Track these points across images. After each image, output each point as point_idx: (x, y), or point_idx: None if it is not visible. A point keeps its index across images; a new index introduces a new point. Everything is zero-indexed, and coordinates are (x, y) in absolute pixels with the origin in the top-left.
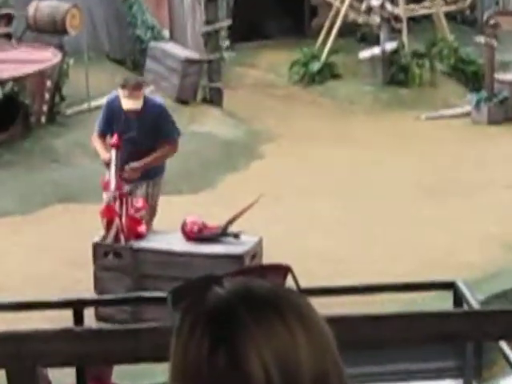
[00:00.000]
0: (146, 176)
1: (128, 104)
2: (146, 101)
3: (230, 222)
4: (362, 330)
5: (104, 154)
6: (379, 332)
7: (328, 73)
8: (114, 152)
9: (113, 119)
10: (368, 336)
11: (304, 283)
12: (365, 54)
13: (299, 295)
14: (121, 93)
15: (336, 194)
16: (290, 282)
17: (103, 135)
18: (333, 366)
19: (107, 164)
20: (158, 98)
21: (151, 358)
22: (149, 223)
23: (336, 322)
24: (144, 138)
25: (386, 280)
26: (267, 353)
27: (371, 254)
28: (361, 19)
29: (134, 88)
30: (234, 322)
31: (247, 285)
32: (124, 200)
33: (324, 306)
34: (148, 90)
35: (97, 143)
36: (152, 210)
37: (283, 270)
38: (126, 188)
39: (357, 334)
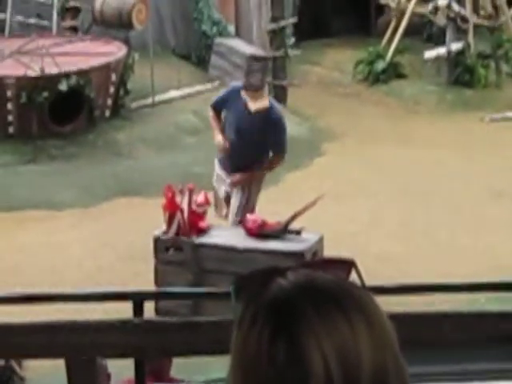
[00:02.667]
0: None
1: (256, 104)
2: (271, 106)
3: (292, 219)
4: (424, 328)
5: (217, 135)
6: (440, 331)
7: (393, 72)
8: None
9: (229, 102)
10: (429, 335)
11: (365, 282)
12: (430, 54)
13: (362, 290)
14: (246, 94)
15: (399, 194)
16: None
17: (216, 110)
18: (393, 363)
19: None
20: (280, 108)
21: (210, 351)
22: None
23: (398, 319)
24: (256, 138)
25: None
26: (327, 345)
27: (434, 256)
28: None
29: (259, 87)
30: (295, 312)
31: (311, 277)
32: (187, 194)
33: (385, 305)
34: (214, 85)
35: (211, 118)
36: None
37: (347, 265)
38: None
39: (418, 332)
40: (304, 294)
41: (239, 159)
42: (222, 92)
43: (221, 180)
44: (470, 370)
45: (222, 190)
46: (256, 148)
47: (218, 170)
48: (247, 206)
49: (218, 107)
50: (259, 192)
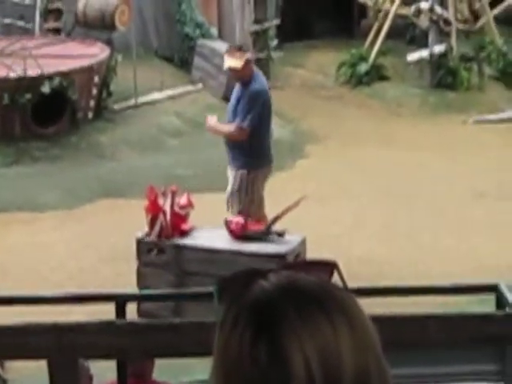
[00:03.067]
0: (234, 164)
1: (227, 62)
2: (253, 78)
3: (275, 220)
4: (406, 330)
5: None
6: (423, 332)
7: (376, 75)
8: None
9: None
10: (412, 336)
11: (348, 284)
12: (413, 56)
13: (345, 292)
14: (224, 57)
15: (382, 196)
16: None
17: None
18: (375, 365)
19: None
20: (263, 83)
21: (193, 352)
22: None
23: (381, 320)
24: (233, 111)
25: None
26: (309, 347)
27: (417, 257)
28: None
29: (236, 49)
30: (277, 314)
31: (292, 279)
32: (170, 196)
33: (367, 307)
34: (197, 87)
35: None
36: (250, 205)
37: (329, 267)
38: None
39: (400, 335)
40: (286, 295)
41: (226, 144)
42: None
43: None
44: (452, 371)
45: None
46: (232, 119)
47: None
48: (250, 207)
49: None
50: (256, 191)
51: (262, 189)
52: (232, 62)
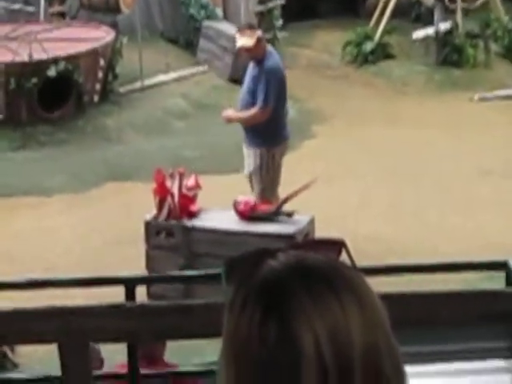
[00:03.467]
0: (252, 143)
1: (239, 41)
2: (267, 56)
3: (284, 202)
4: (415, 307)
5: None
6: (431, 310)
7: (381, 53)
8: None
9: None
10: (420, 314)
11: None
12: (418, 34)
13: (353, 270)
14: (236, 36)
15: (388, 175)
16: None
17: None
18: (384, 343)
19: None
20: (277, 60)
21: (203, 334)
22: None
23: (389, 299)
24: (248, 92)
25: (440, 260)
26: (319, 326)
27: (424, 236)
28: None
29: (247, 27)
30: (286, 293)
31: (301, 258)
32: (177, 178)
33: (375, 285)
34: (202, 69)
35: None
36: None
37: (337, 246)
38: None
39: (409, 312)
40: (295, 274)
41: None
42: None
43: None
44: (462, 349)
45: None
46: (248, 98)
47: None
48: (272, 185)
49: None
50: (275, 170)
51: (280, 166)
52: (244, 40)
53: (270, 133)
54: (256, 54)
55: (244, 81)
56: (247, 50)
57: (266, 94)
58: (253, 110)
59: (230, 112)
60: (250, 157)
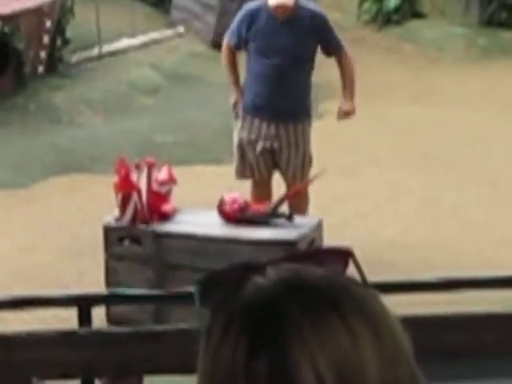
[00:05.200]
0: (294, 116)
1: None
2: (302, 6)
3: (283, 200)
4: (450, 334)
5: (233, 90)
6: (472, 337)
7: (408, 11)
8: None
9: (253, 28)
10: (456, 342)
11: (377, 275)
12: None
13: (363, 287)
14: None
15: (420, 164)
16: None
17: (236, 49)
18: (407, 379)
19: (233, 105)
20: (314, 5)
21: (177, 368)
22: (302, 202)
23: (415, 324)
24: (298, 50)
25: (483, 274)
26: (322, 358)
27: (466, 240)
28: None
29: None
30: (279, 318)
31: (296, 272)
32: (145, 170)
33: (400, 305)
34: (178, 31)
35: (227, 62)
36: (303, 171)
37: (343, 256)
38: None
39: (442, 340)
40: (289, 293)
41: (280, 92)
42: (236, 18)
43: (253, 139)
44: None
45: (259, 147)
46: (299, 68)
47: (243, 131)
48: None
49: (236, 43)
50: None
51: None
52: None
53: (310, 95)
54: (291, 11)
55: (264, 47)
56: (285, 8)
57: (337, 36)
58: (347, 63)
59: (346, 106)
60: (292, 137)
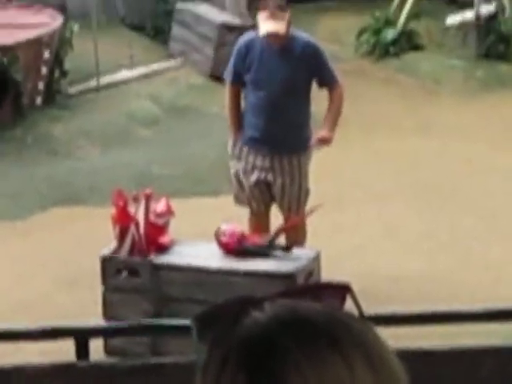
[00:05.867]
0: (292, 148)
1: (268, 26)
2: (295, 36)
3: (280, 232)
4: (450, 368)
5: (232, 131)
6: (472, 371)
7: (406, 43)
8: None
9: (247, 59)
10: (456, 377)
11: (373, 308)
12: (454, 19)
13: (362, 322)
14: (260, 17)
15: (418, 197)
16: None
17: (237, 86)
18: None
19: (232, 145)
20: (308, 36)
21: None
22: (299, 234)
23: (413, 357)
24: (291, 81)
25: (481, 307)
26: None
27: (464, 273)
28: None
29: (278, 7)
30: (277, 354)
31: (294, 308)
32: (143, 202)
33: (397, 338)
34: (176, 63)
35: (228, 99)
36: (298, 204)
37: (341, 291)
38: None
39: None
40: (286, 328)
41: (275, 124)
42: (232, 53)
43: (249, 169)
44: None
45: (253, 178)
46: (294, 99)
47: (238, 163)
48: (304, 196)
49: (235, 78)
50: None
51: None
52: (275, 25)
53: (309, 128)
54: (284, 40)
55: (258, 78)
56: (277, 37)
57: (332, 67)
58: (337, 97)
59: (323, 132)
60: (286, 169)
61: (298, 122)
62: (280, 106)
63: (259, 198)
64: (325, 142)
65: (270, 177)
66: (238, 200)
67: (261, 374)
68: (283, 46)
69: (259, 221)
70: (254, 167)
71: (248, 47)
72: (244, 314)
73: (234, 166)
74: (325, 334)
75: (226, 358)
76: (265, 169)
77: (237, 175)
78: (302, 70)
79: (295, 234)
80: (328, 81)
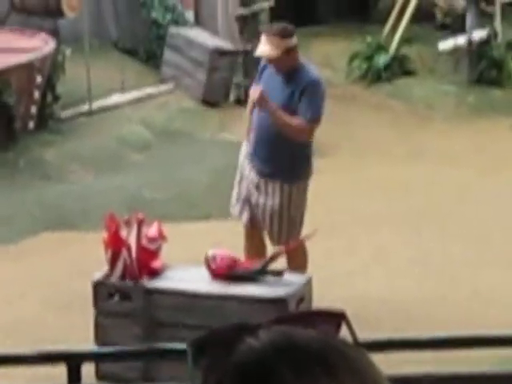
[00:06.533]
0: (280, 174)
1: (261, 49)
2: (303, 67)
3: (273, 258)
4: None
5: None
6: None
7: (398, 68)
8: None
9: (260, 81)
10: None
11: (365, 335)
12: (446, 44)
13: (356, 349)
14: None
15: (409, 223)
16: (344, 333)
17: None
18: None
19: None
20: (316, 72)
21: None
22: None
23: (403, 382)
24: (285, 107)
25: (473, 332)
26: None
27: (454, 300)
28: (442, 1)
29: (276, 33)
30: (271, 379)
31: (288, 335)
32: (135, 226)
33: (390, 365)
34: (168, 88)
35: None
36: (295, 223)
37: (335, 318)
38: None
39: None
40: (281, 355)
41: (264, 147)
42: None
43: (244, 179)
44: None
45: (244, 190)
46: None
47: (243, 161)
48: (291, 225)
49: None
50: (305, 205)
51: None
52: (265, 49)
53: (306, 160)
54: (282, 67)
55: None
56: (271, 60)
57: (315, 107)
58: (297, 120)
59: (267, 98)
60: (270, 193)
61: (287, 152)
62: (270, 132)
63: (244, 209)
64: (255, 95)
65: (255, 195)
66: (233, 209)
67: None
68: (288, 73)
69: (251, 243)
70: (247, 178)
71: (263, 68)
72: (239, 340)
73: (239, 171)
74: (320, 361)
75: (220, 383)
76: (254, 185)
77: (237, 181)
78: (297, 100)
79: (294, 256)
80: (299, 111)
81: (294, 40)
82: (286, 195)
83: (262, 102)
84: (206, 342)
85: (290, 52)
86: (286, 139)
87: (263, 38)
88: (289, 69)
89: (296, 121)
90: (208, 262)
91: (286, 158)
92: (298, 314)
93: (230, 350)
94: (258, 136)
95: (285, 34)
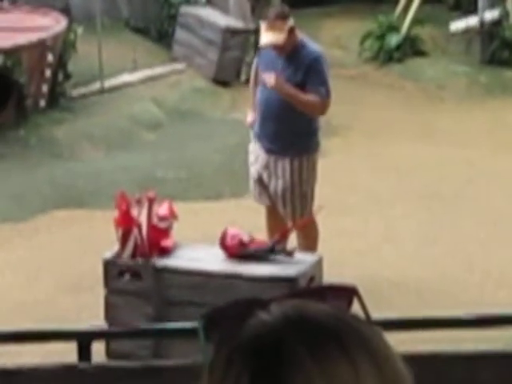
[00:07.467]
0: (290, 149)
1: (266, 37)
2: (304, 44)
3: (282, 237)
4: (451, 372)
5: (249, 112)
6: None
7: (410, 49)
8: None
9: (261, 58)
10: (457, 381)
11: (376, 314)
12: (458, 25)
13: (368, 324)
14: (261, 26)
15: (420, 203)
16: (355, 309)
17: (256, 72)
18: None
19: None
20: (317, 47)
21: None
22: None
23: (417, 361)
24: (293, 85)
25: (484, 311)
26: None
27: (466, 279)
28: None
29: (277, 17)
30: (282, 355)
31: (300, 309)
32: (146, 205)
33: (401, 343)
34: (180, 67)
35: (251, 84)
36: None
37: (347, 293)
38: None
39: (443, 378)
40: (293, 329)
41: (271, 124)
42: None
43: (253, 161)
44: None
45: (254, 172)
46: (291, 105)
47: (251, 154)
48: (304, 201)
49: (256, 68)
50: (315, 181)
51: None
52: (273, 36)
53: (314, 134)
54: (287, 48)
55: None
56: (277, 47)
57: (325, 82)
58: (316, 98)
59: (283, 81)
60: (279, 174)
61: (294, 127)
62: (277, 108)
63: (261, 191)
64: (271, 82)
65: (265, 176)
66: (253, 193)
67: (264, 374)
68: (291, 53)
69: (271, 217)
70: (256, 160)
71: (261, 54)
72: (251, 314)
73: (250, 152)
74: (333, 336)
75: (231, 357)
76: (264, 164)
77: (250, 162)
78: (300, 77)
79: (305, 236)
80: (311, 88)
81: (291, 20)
82: (296, 171)
83: (279, 87)
84: (218, 316)
85: (292, 31)
86: (293, 114)
87: (265, 26)
88: (292, 49)
89: (313, 98)
90: (223, 240)
91: (293, 133)
92: (309, 288)
93: (241, 324)
94: (264, 113)
95: (284, 16)
